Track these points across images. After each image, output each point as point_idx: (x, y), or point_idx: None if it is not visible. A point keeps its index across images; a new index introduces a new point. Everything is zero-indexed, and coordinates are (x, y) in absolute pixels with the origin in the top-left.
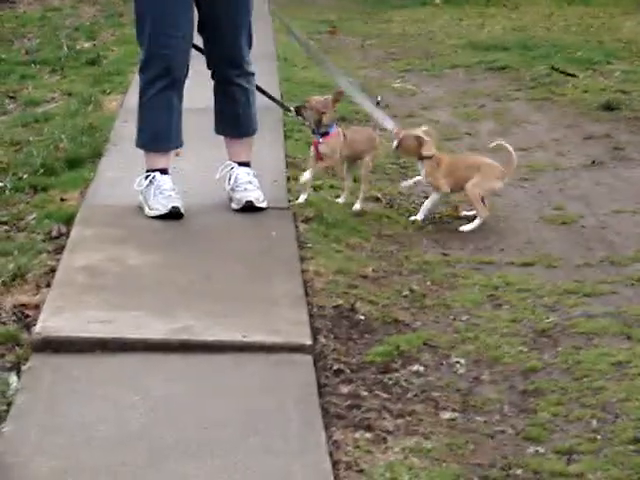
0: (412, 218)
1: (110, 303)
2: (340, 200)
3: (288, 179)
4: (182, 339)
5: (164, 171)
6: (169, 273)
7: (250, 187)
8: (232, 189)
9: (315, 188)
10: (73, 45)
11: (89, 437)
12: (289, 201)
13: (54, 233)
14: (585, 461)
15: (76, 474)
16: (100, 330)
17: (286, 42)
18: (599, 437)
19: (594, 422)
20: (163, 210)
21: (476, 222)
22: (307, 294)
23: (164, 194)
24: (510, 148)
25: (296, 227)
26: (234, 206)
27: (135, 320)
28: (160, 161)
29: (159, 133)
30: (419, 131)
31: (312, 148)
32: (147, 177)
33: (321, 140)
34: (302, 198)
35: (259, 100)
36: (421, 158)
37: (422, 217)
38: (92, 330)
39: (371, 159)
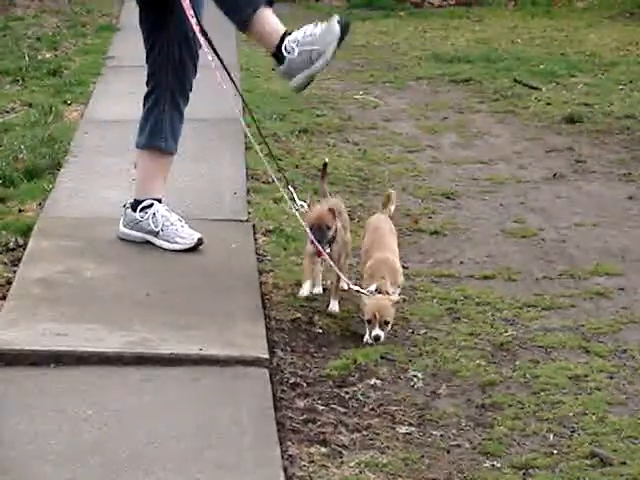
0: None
1: (65, 315)
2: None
3: (248, 191)
4: (137, 352)
5: (160, 201)
6: (126, 286)
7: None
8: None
9: (275, 200)
10: (34, 55)
11: (41, 451)
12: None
13: (11, 245)
14: (541, 476)
15: None
16: (54, 343)
17: (249, 52)
18: (555, 452)
19: (551, 436)
20: (190, 241)
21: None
22: (265, 307)
23: (176, 225)
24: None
25: (255, 240)
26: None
27: (90, 333)
28: (157, 189)
29: (159, 131)
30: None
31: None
32: (145, 207)
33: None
34: (306, 290)
35: (218, 111)
36: None
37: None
38: (46, 343)
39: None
